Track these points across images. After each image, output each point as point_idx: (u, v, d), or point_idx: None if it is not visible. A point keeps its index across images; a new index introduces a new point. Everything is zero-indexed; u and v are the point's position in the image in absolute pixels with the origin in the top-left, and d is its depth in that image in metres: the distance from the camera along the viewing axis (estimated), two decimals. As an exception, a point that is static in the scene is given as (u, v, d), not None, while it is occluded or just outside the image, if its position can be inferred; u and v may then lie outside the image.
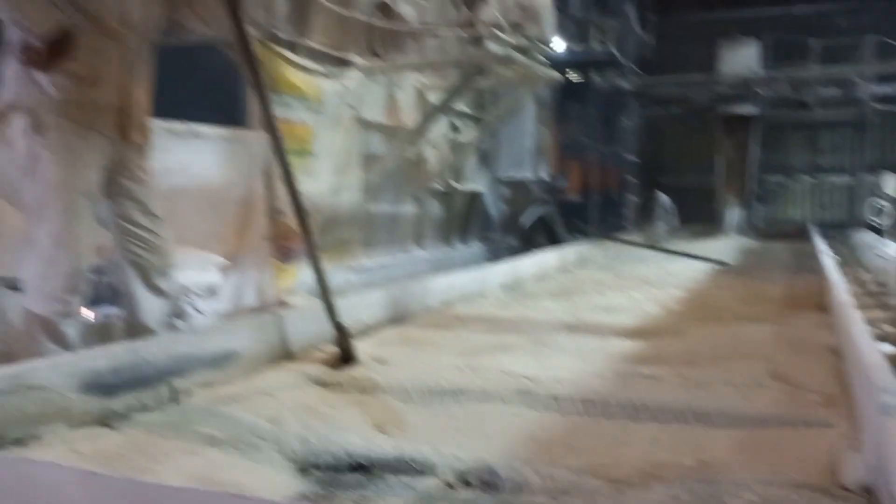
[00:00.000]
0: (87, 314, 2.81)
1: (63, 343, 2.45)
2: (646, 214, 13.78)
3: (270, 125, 2.55)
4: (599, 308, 3.85)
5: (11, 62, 2.44)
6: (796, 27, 14.11)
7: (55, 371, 1.87)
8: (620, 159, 12.50)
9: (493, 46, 4.92)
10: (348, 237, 5.26)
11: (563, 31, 9.40)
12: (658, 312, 3.75)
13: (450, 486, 1.48)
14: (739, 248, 8.77)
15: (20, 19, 2.35)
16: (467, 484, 1.48)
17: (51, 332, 2.43)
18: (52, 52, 2.36)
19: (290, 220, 4.29)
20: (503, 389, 2.18)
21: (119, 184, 2.63)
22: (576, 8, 10.84)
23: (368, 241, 5.77)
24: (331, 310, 2.61)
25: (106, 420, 1.90)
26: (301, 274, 4.54)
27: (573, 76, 10.86)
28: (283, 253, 4.36)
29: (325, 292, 2.62)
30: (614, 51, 10.75)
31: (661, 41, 15.46)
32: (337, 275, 5.07)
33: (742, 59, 12.14)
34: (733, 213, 12.18)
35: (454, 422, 1.97)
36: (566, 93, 10.24)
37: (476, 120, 7.29)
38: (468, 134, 6.96)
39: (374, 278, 5.55)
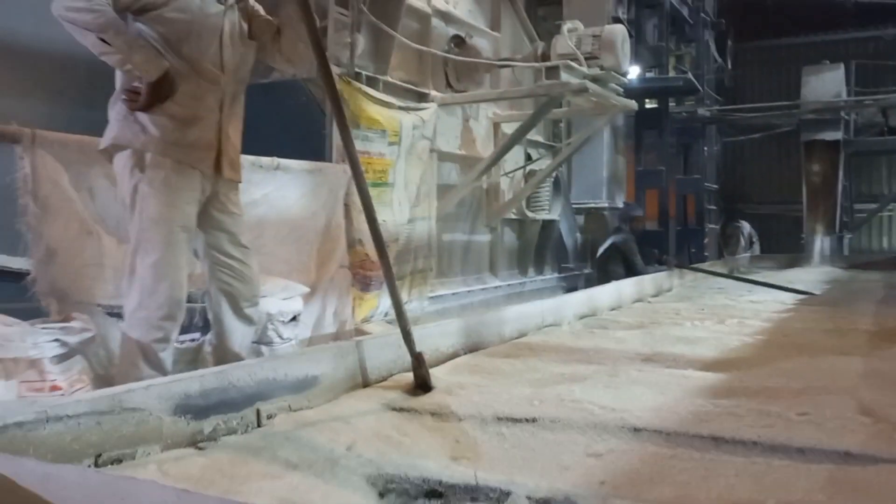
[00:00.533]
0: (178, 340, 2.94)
1: (160, 368, 2.57)
2: (727, 243, 13.42)
3: (351, 158, 2.64)
4: (678, 339, 3.77)
5: (117, 104, 2.61)
6: (885, 51, 13.62)
7: (150, 394, 1.96)
8: (699, 187, 12.24)
9: (567, 77, 4.96)
10: (424, 266, 5.33)
11: (639, 58, 9.36)
12: (739, 344, 3.65)
13: (526, 513, 1.49)
14: (827, 279, 8.42)
15: (128, 65, 2.52)
16: (543, 512, 1.48)
17: (149, 358, 2.56)
18: (153, 95, 2.52)
19: (369, 250, 4.41)
20: (578, 420, 2.17)
21: (212, 216, 2.77)
22: (652, 36, 10.76)
23: (443, 270, 5.84)
24: (408, 337, 2.66)
25: (195, 442, 1.99)
26: (379, 302, 4.64)
27: (649, 104, 10.75)
28: (363, 282, 4.46)
29: (402, 320, 2.68)
30: (691, 78, 10.60)
31: (741, 67, 15.16)
32: (413, 303, 5.16)
33: (827, 83, 11.74)
34: (820, 242, 11.71)
35: (529, 452, 1.97)
36: (642, 120, 10.15)
37: (550, 148, 7.31)
38: (542, 163, 6.98)
39: (449, 307, 5.60)
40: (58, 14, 2.45)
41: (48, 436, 1.68)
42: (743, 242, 13.12)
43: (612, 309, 5.22)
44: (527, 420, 2.20)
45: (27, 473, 1.25)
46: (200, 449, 1.96)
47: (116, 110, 2.61)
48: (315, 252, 4.13)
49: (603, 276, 7.71)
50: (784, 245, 12.74)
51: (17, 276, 3.02)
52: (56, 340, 2.48)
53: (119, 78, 2.62)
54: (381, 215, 4.48)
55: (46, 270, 2.73)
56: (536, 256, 7.49)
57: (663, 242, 10.11)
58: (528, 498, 1.55)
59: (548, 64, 5.08)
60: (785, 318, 4.81)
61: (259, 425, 2.18)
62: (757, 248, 13.20)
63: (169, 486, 1.18)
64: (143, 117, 2.57)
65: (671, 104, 11.53)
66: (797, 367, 2.99)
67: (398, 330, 2.72)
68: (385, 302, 4.66)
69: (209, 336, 3.04)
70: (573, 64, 5.00)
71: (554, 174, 7.11)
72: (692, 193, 12.00)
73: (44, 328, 2.50)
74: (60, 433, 1.70)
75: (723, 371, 2.94)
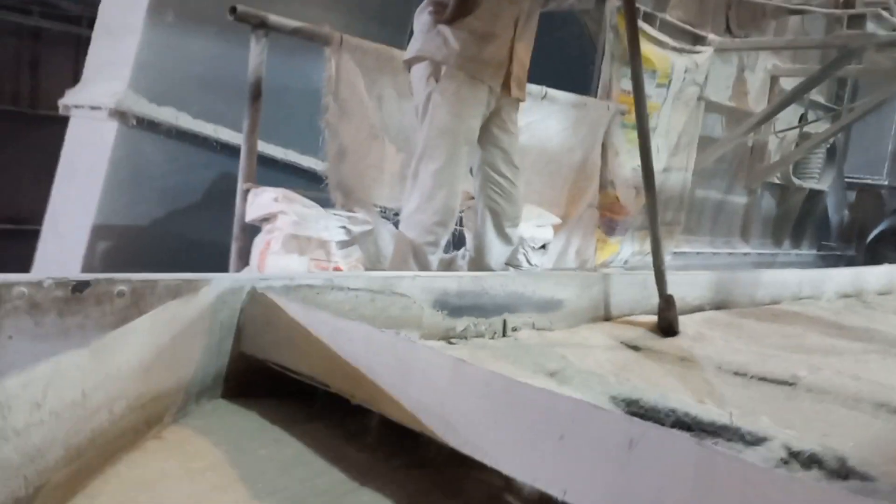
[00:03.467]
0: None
1: (427, 269, 2.77)
2: None
3: (639, 96, 2.58)
4: (964, 334, 3.31)
5: (423, 15, 2.78)
6: None
7: (415, 284, 2.12)
8: None
9: (874, 28, 4.41)
10: (672, 219, 5.16)
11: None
12: None
13: (785, 462, 1.42)
14: None
15: None
16: (807, 465, 1.40)
17: (418, 258, 2.77)
18: (458, 10, 2.65)
19: (620, 193, 4.34)
20: (842, 390, 2.01)
21: (492, 133, 2.88)
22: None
23: (691, 227, 5.60)
24: (660, 278, 2.61)
25: (448, 337, 2.13)
26: (621, 248, 4.58)
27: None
28: (608, 225, 4.43)
29: (657, 259, 2.63)
30: None
31: None
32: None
33: None
34: None
35: (785, 411, 1.87)
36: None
37: (830, 111, 6.61)
38: (819, 126, 6.35)
39: (692, 265, 5.38)
40: None
41: (331, 302, 1.86)
42: None
43: (882, 293, 4.69)
44: (781, 381, 2.08)
45: (320, 324, 1.42)
46: (452, 344, 2.09)
47: (422, 22, 2.78)
48: (567, 187, 4.15)
49: (872, 261, 6.94)
50: None
51: (307, 172, 3.39)
52: (343, 228, 2.77)
53: None
54: (637, 158, 4.37)
55: (337, 167, 3.03)
56: (795, 228, 6.90)
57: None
58: (787, 448, 1.47)
59: (852, 11, 4.55)
60: None
61: (504, 335, 2.28)
62: None
63: (446, 355, 1.26)
64: (445, 31, 2.70)
65: None
66: None
67: (638, 275, 2.68)
68: (626, 249, 4.60)
69: (463, 250, 3.20)
70: (885, 13, 4.42)
71: (830, 141, 6.44)
72: None
73: (335, 215, 2.79)
74: (341, 301, 1.89)
75: None
